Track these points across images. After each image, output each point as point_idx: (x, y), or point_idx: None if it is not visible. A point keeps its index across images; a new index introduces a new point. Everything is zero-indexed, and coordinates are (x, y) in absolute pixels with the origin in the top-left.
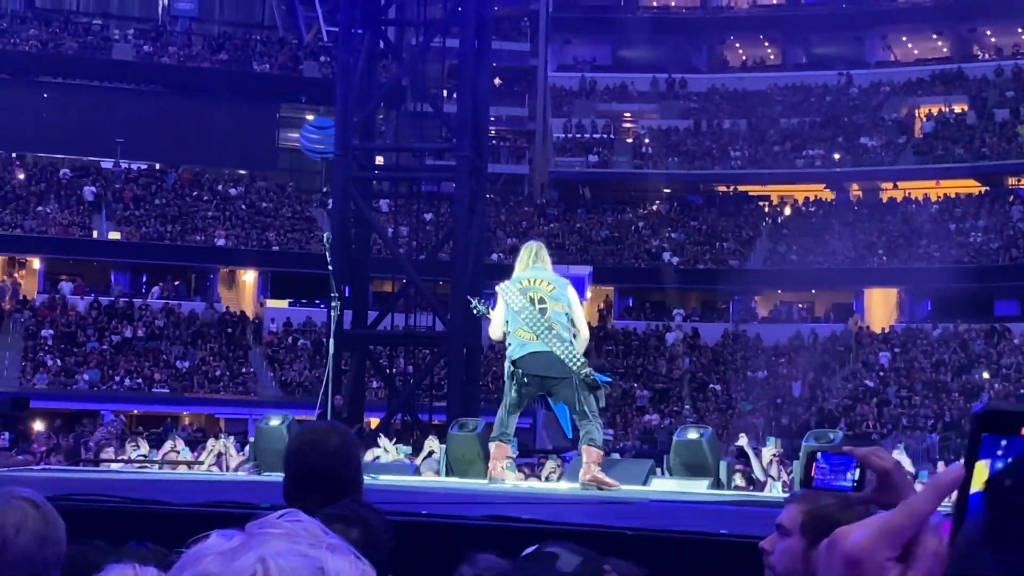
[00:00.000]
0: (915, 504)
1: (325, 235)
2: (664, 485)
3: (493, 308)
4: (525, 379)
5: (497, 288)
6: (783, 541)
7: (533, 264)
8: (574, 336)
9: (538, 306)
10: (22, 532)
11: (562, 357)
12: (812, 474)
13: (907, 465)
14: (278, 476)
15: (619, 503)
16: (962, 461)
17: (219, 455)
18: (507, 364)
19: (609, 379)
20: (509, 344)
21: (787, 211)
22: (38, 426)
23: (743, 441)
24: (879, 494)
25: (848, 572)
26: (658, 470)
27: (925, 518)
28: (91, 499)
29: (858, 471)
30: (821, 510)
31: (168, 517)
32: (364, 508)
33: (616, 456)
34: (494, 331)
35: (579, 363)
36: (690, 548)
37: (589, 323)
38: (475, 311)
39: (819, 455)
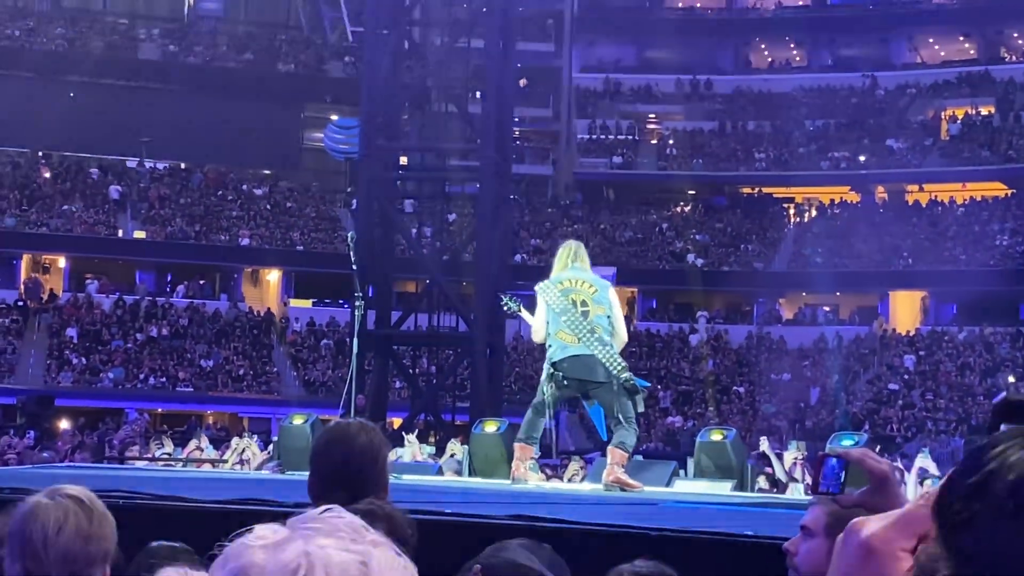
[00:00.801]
0: (931, 497)
1: (349, 235)
2: (687, 487)
3: (523, 307)
4: (565, 382)
5: (537, 288)
6: (807, 542)
7: (573, 264)
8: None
9: (580, 308)
10: (63, 530)
11: (604, 361)
12: (819, 478)
13: (932, 469)
14: (301, 475)
15: (642, 504)
16: None
17: (243, 454)
18: (546, 366)
19: (648, 384)
20: (550, 346)
21: (812, 213)
22: (64, 425)
23: (764, 445)
24: (873, 498)
25: (863, 561)
26: (681, 472)
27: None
28: (114, 496)
29: (844, 474)
30: (846, 512)
31: (191, 514)
32: (388, 506)
33: (639, 458)
34: (536, 333)
35: (620, 367)
36: (714, 549)
37: None
38: (505, 308)
39: (827, 459)
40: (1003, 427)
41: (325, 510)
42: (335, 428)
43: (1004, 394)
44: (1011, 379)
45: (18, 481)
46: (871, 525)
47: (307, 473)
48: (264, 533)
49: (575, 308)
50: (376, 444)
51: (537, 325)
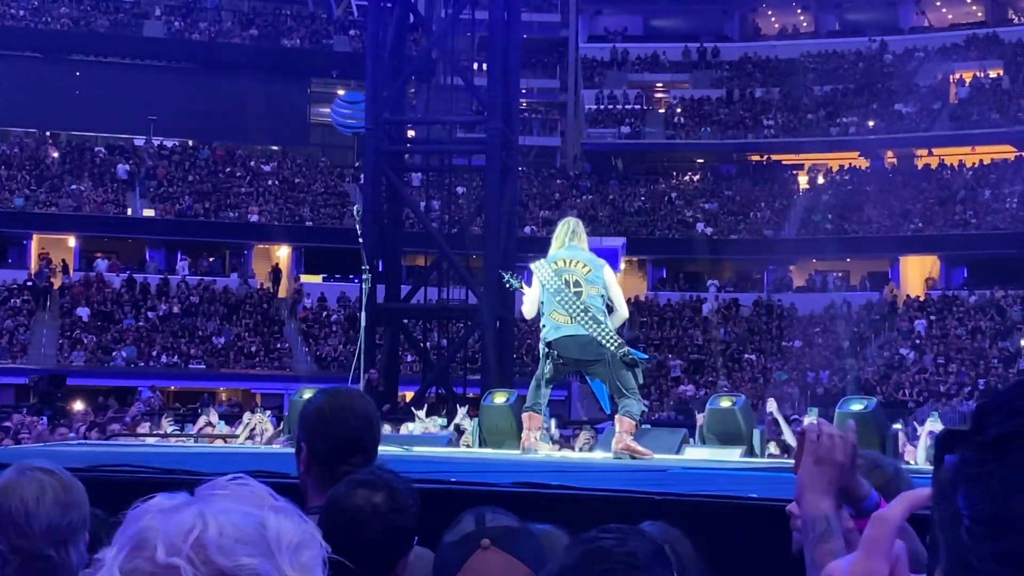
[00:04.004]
0: (885, 515)
1: (355, 208)
2: (697, 454)
3: (527, 283)
4: (561, 360)
5: (531, 266)
6: None
7: (569, 243)
8: (609, 313)
9: (573, 289)
10: (42, 501)
11: (598, 339)
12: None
13: None
14: None
15: (650, 471)
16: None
17: (254, 429)
18: (541, 345)
19: (647, 356)
20: (543, 326)
21: (821, 179)
22: (78, 405)
23: (772, 407)
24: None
25: None
26: (691, 439)
27: (896, 527)
28: (122, 470)
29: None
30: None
31: (196, 486)
32: (388, 474)
33: (648, 427)
34: (528, 309)
35: (615, 343)
36: (718, 512)
37: (627, 297)
38: (507, 285)
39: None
40: (947, 459)
41: (234, 478)
42: (310, 398)
43: (945, 428)
44: (1023, 342)
45: (25, 458)
46: (844, 566)
47: None
48: (163, 499)
49: (568, 288)
50: (343, 408)
51: (530, 301)
